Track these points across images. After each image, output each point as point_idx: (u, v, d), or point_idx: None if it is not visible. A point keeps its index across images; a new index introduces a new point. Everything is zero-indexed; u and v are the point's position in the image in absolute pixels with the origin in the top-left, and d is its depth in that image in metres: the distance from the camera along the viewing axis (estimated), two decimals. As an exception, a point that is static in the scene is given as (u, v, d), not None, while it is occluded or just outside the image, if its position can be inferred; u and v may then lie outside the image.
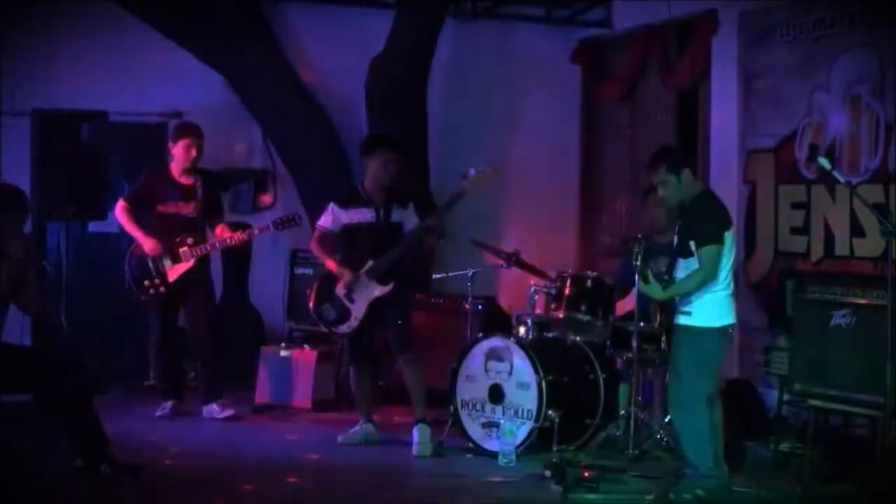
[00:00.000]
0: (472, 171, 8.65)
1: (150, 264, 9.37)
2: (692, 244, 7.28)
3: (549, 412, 8.32)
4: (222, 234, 9.47)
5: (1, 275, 7.03)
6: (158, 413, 9.55)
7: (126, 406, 9.63)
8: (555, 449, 8.22)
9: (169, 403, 9.60)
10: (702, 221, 7.34)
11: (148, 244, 9.30)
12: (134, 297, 9.48)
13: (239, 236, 9.44)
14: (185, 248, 9.35)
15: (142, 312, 9.70)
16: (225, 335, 10.32)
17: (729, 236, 7.35)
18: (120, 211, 9.43)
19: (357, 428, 8.93)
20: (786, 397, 8.35)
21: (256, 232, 9.58)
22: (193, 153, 9.38)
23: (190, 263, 9.37)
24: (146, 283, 9.36)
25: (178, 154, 9.38)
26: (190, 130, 9.45)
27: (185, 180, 9.43)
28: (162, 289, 9.37)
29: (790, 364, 7.72)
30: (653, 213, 8.74)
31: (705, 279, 7.24)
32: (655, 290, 7.65)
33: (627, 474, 7.84)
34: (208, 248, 9.44)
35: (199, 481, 7.67)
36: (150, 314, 9.60)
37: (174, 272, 9.36)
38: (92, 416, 7.44)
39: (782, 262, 9.57)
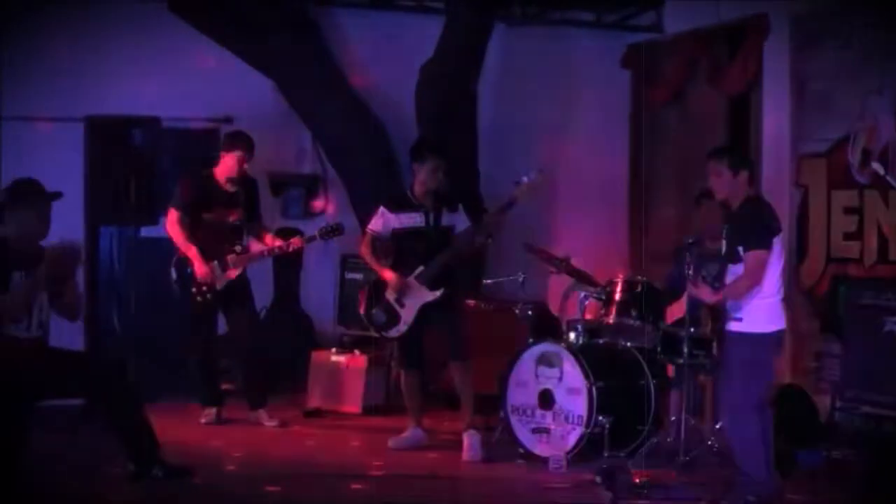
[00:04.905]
0: (525, 179, 8.62)
1: None
2: (740, 249, 7.24)
3: (600, 418, 8.29)
4: (272, 242, 9.49)
5: (38, 272, 7.06)
6: (204, 420, 9.58)
7: (179, 411, 9.68)
8: (605, 455, 8.19)
9: (213, 410, 9.61)
10: (750, 227, 7.29)
11: (200, 268, 9.30)
12: (178, 301, 9.52)
13: (294, 243, 9.43)
14: (233, 256, 9.39)
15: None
16: (276, 340, 10.38)
17: (777, 242, 7.30)
18: (172, 222, 9.40)
19: (407, 433, 8.95)
20: (838, 404, 8.29)
21: (300, 243, 9.50)
22: (245, 165, 9.41)
23: (238, 271, 9.40)
24: (193, 290, 9.40)
25: (229, 163, 9.38)
26: (245, 143, 9.41)
27: (230, 188, 9.47)
28: (208, 297, 9.41)
29: (842, 370, 7.67)
30: (706, 218, 8.69)
31: (751, 285, 7.19)
32: (706, 294, 7.58)
33: (678, 481, 7.81)
34: (256, 256, 9.48)
35: (250, 485, 7.71)
36: (191, 320, 9.56)
37: (221, 281, 9.40)
38: (141, 420, 7.48)
39: (835, 267, 9.50)
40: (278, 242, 9.47)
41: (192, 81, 11.04)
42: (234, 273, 9.38)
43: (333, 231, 9.47)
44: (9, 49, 10.79)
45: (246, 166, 9.41)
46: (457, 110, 11.25)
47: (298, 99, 11.38)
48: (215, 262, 9.34)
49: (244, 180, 9.53)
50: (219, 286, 9.37)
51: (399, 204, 8.86)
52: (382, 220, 8.83)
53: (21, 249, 7.09)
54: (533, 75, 11.97)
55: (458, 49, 11.08)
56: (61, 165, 10.32)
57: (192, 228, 9.42)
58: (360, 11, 11.59)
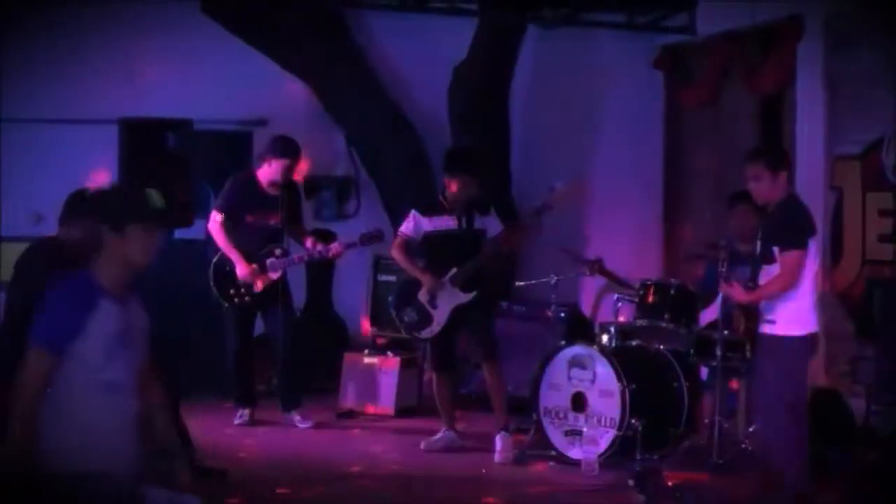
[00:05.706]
0: (559, 184, 8.63)
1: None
2: (775, 250, 7.20)
3: (633, 420, 8.28)
4: (313, 246, 9.51)
5: None
6: (237, 421, 9.62)
7: (213, 411, 9.71)
8: (638, 457, 8.18)
9: (247, 411, 9.66)
10: (786, 227, 7.26)
11: (242, 269, 9.35)
12: (216, 302, 9.56)
13: (335, 249, 9.46)
14: (273, 259, 9.42)
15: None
16: (309, 342, 10.39)
17: (812, 243, 7.27)
18: (215, 225, 9.44)
19: (440, 435, 8.96)
20: (873, 407, 8.25)
21: (342, 248, 9.53)
22: (290, 174, 9.46)
23: (278, 274, 9.43)
24: (231, 291, 9.44)
25: (274, 170, 9.37)
26: (293, 152, 9.42)
27: (272, 191, 9.50)
28: (247, 298, 9.44)
29: (877, 373, 7.62)
30: (740, 220, 8.66)
31: (786, 285, 7.16)
32: (738, 293, 7.53)
33: (711, 484, 7.79)
34: (295, 259, 9.51)
35: (282, 486, 7.74)
36: (229, 321, 9.61)
37: (261, 283, 9.43)
38: (176, 421, 7.51)
39: (869, 269, 9.44)
40: (319, 247, 9.48)
41: (226, 84, 11.07)
42: (273, 275, 9.41)
43: (374, 238, 9.48)
44: (42, 51, 10.85)
45: (291, 175, 9.47)
46: (489, 112, 11.26)
47: (332, 102, 11.41)
48: (255, 265, 9.38)
49: (287, 184, 9.55)
50: (257, 289, 9.40)
51: (431, 208, 8.88)
52: (414, 224, 8.85)
53: (72, 254, 7.13)
54: (565, 77, 11.94)
55: (490, 51, 11.09)
56: (95, 167, 10.39)
57: (234, 231, 9.46)
58: (393, 14, 11.58)
